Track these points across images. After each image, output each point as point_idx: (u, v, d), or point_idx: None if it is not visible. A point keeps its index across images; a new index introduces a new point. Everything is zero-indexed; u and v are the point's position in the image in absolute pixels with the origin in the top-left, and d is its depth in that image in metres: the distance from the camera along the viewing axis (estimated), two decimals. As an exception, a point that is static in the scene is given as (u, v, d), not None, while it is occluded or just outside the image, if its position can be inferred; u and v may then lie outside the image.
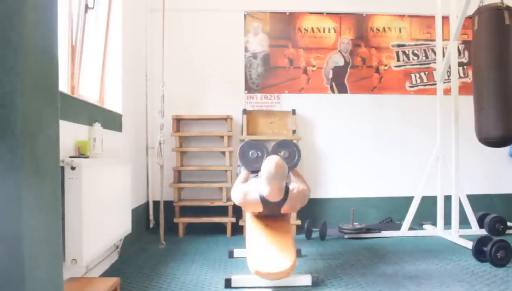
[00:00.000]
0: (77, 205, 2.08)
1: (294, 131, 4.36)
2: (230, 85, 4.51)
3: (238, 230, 4.08)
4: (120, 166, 2.84)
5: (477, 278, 2.68)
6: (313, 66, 4.58)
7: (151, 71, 4.24)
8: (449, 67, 3.72)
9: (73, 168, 2.09)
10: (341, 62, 4.60)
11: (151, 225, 4.18)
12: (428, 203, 4.01)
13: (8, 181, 0.95)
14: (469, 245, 3.16)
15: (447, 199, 3.77)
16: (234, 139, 4.36)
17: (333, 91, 4.59)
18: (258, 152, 3.05)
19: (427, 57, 4.68)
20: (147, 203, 4.21)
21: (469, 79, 4.57)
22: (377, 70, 4.63)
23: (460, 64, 4.44)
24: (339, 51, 4.60)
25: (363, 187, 4.54)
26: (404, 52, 4.67)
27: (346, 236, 3.93)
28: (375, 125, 4.60)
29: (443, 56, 3.94)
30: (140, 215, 3.95)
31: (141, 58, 4.14)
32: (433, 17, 4.30)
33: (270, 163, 2.59)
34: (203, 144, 4.35)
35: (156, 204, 4.08)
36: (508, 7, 3.09)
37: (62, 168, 2.07)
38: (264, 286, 2.54)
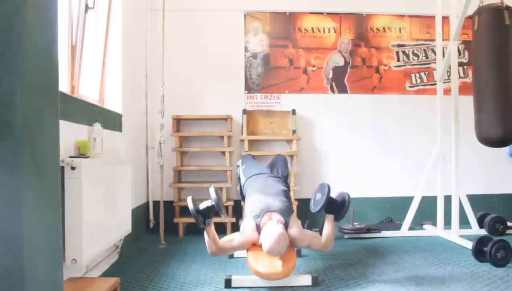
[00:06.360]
0: (77, 205, 2.08)
1: (294, 132, 4.37)
2: (230, 85, 4.51)
3: (238, 230, 4.06)
4: (120, 166, 2.84)
5: (477, 278, 2.68)
6: (313, 66, 4.57)
7: (151, 71, 4.24)
8: (449, 67, 3.72)
9: (73, 168, 2.09)
10: (341, 62, 4.60)
11: (151, 225, 4.18)
12: (428, 203, 4.01)
13: (8, 181, 0.95)
14: (469, 245, 3.16)
15: (447, 199, 3.76)
16: (234, 139, 4.36)
17: (333, 91, 4.59)
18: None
19: (427, 57, 4.68)
20: (147, 203, 4.21)
21: (469, 79, 4.57)
22: (377, 70, 4.63)
23: (460, 64, 4.43)
24: (339, 51, 4.60)
25: (363, 187, 4.54)
26: (404, 52, 4.67)
27: (346, 236, 3.93)
28: (375, 125, 4.60)
29: (443, 56, 3.93)
30: (140, 215, 3.95)
31: (141, 58, 4.13)
32: (433, 17, 4.30)
33: (269, 239, 2.44)
34: (203, 144, 4.35)
35: (156, 204, 4.07)
36: (508, 7, 3.08)
37: (62, 168, 2.07)
38: (264, 286, 2.54)
